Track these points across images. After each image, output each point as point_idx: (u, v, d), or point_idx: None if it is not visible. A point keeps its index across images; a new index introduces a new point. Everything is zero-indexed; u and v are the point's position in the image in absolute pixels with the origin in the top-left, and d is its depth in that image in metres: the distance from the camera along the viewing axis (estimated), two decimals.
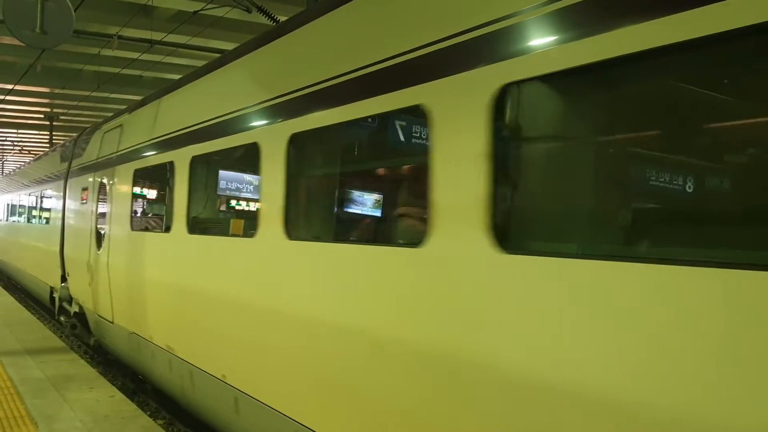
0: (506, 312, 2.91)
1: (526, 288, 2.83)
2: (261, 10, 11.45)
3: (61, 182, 12.51)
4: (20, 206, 19.03)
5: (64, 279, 11.59)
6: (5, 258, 20.78)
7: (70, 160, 12.17)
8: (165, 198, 7.80)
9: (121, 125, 9.21)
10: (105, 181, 9.41)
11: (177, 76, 14.11)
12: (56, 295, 12.13)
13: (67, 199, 12.03)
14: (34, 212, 16.56)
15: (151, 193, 8.72)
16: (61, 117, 27.91)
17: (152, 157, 7.61)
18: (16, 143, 37.63)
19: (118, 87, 21.59)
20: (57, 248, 11.88)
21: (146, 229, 8.39)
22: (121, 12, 15.14)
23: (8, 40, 15.67)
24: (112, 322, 8.81)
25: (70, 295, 11.33)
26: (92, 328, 10.33)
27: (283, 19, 8.05)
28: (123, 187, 8.57)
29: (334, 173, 5.30)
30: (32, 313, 13.70)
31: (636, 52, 2.45)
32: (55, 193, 13.45)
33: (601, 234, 3.04)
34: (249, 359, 5.34)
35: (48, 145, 28.44)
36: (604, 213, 3.08)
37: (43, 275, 13.77)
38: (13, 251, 19.28)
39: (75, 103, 24.83)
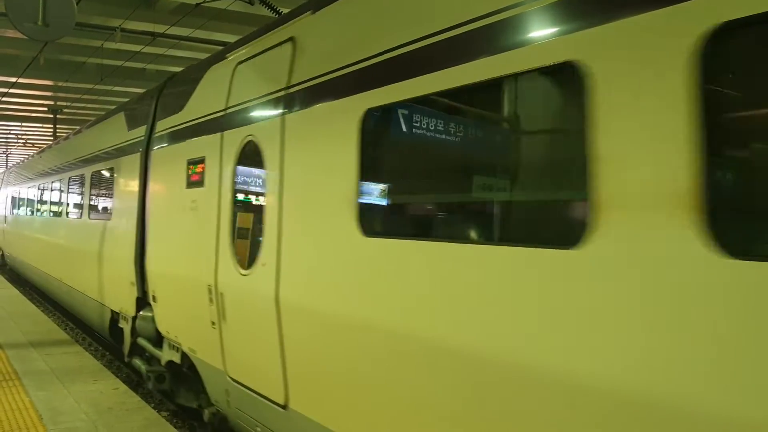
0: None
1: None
2: (263, 2, 11.42)
3: (133, 157, 8.50)
4: (54, 195, 14.26)
5: (143, 304, 7.90)
6: (36, 264, 15.82)
7: (151, 121, 8.14)
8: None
9: (291, 40, 5.12)
10: (259, 143, 5.32)
11: (179, 69, 14.11)
12: (125, 326, 8.70)
13: (150, 181, 7.82)
14: (79, 203, 11.79)
15: (453, 158, 4.08)
16: (65, 110, 27.96)
17: (444, 75, 3.46)
18: (20, 136, 37.69)
19: (122, 80, 21.58)
20: (127, 255, 8.11)
21: (426, 234, 4.08)
22: (124, 4, 15.12)
23: (11, 33, 15.67)
24: (284, 407, 4.86)
25: (158, 332, 7.49)
26: (214, 396, 6.36)
27: (285, 11, 7.99)
28: (325, 149, 4.45)
29: None
30: (36, 306, 13.74)
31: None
32: (120, 173, 9.12)
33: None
34: None
35: (52, 138, 28.46)
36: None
37: (99, 293, 9.78)
38: (44, 256, 14.46)
39: (78, 96, 24.83)
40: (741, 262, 2.19)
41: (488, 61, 3.17)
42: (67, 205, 12.73)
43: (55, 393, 6.94)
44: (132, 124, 9.08)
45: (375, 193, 4.26)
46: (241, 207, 5.68)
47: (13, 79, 20.03)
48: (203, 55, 12.72)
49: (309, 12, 5.10)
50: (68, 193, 12.75)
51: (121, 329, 8.85)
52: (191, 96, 6.98)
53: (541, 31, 2.94)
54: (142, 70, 21.49)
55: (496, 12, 3.19)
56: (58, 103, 27.28)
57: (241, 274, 5.37)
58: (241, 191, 5.72)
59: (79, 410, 6.38)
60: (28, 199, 18.24)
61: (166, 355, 7.36)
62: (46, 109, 28.13)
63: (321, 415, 4.49)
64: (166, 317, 7.29)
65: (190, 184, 6.57)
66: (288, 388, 4.85)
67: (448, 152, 4.09)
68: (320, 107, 4.62)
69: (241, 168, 5.67)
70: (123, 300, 8.46)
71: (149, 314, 7.66)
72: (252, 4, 12.08)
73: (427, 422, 3.54)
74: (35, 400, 6.63)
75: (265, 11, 11.72)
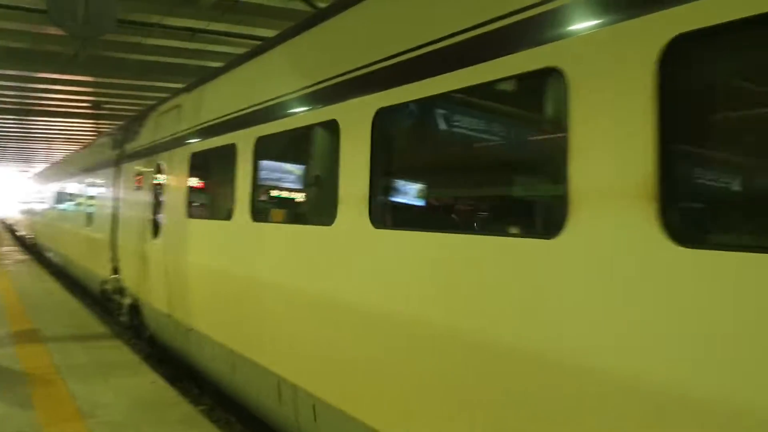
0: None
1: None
2: None
3: None
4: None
5: None
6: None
7: None
8: None
9: None
10: None
11: (220, 64, 14.18)
12: None
13: None
14: None
15: None
16: (105, 106, 28.43)
17: None
18: (62, 131, 38.48)
19: (162, 75, 21.84)
20: None
21: None
22: (163, 1, 15.25)
23: (53, 30, 15.93)
24: None
25: None
26: None
27: (322, 5, 7.93)
28: None
29: None
30: (78, 300, 13.97)
31: None
32: None
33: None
34: None
35: (95, 134, 29.00)
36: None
37: None
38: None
39: (119, 92, 25.23)
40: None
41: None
42: None
43: (94, 386, 7.01)
44: None
45: None
46: None
47: (56, 76, 20.40)
48: (242, 50, 12.70)
49: None
50: None
51: None
52: None
53: None
54: (184, 66, 21.69)
55: None
56: (100, 99, 27.75)
57: None
58: None
59: (119, 404, 6.43)
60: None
61: None
62: (88, 104, 28.65)
63: None
64: None
65: None
66: None
67: None
68: None
69: None
70: None
71: None
72: None
73: None
74: (75, 393, 6.70)
75: (303, 6, 11.70)
